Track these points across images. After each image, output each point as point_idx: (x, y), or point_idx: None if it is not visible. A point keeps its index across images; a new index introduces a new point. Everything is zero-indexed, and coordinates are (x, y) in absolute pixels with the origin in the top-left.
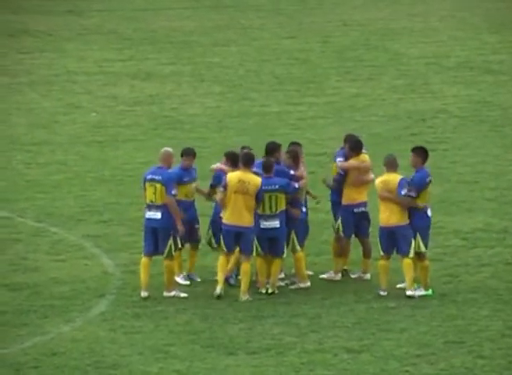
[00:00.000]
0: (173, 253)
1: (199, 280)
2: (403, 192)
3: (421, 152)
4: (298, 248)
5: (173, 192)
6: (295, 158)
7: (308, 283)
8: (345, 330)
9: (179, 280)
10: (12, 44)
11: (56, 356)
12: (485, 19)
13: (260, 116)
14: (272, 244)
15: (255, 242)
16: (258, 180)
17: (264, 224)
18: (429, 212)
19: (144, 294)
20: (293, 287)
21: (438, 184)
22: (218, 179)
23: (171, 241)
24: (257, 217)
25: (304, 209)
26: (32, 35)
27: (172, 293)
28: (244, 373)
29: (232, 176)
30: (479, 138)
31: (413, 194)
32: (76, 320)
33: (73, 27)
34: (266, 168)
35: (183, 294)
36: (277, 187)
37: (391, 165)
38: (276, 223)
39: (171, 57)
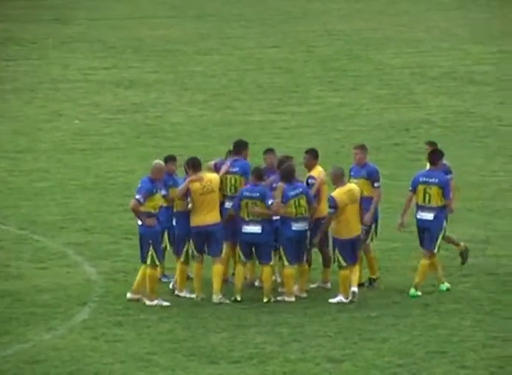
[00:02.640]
0: (156, 262)
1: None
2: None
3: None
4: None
5: (137, 197)
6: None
7: (293, 298)
8: (327, 339)
9: (184, 293)
10: None
11: (38, 364)
12: (468, 30)
13: (243, 125)
14: (255, 250)
15: (238, 249)
16: (216, 175)
17: (246, 228)
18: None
19: (129, 295)
20: (279, 298)
21: None
22: None
23: (151, 251)
24: (240, 222)
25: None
26: (17, 43)
27: (155, 302)
28: None
29: (194, 184)
30: (462, 149)
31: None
32: (57, 328)
33: (58, 35)
34: (256, 175)
35: (165, 303)
36: (258, 195)
37: (341, 177)
38: (258, 229)
39: (154, 65)
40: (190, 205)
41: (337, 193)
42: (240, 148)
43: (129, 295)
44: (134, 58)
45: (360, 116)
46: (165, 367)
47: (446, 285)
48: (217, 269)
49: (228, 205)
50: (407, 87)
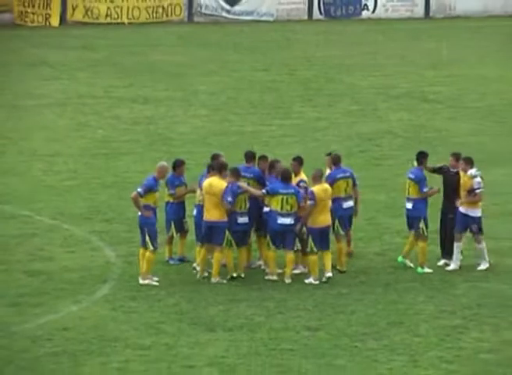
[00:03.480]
0: (151, 247)
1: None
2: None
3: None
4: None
5: (139, 190)
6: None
7: (275, 277)
8: (306, 311)
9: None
10: (33, 73)
11: (66, 331)
12: (423, 58)
13: (238, 135)
14: (242, 236)
15: (229, 236)
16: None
17: (240, 220)
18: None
19: (141, 281)
20: (266, 277)
21: (384, 193)
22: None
23: (147, 237)
24: (235, 215)
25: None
26: (50, 66)
27: (147, 281)
28: (222, 347)
29: (206, 182)
30: None
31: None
32: (83, 301)
33: (84, 59)
34: (235, 174)
35: (155, 283)
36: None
37: (320, 177)
38: (247, 220)
39: (164, 85)
40: (200, 198)
41: (317, 189)
42: (250, 157)
43: (141, 281)
44: (148, 78)
45: (334, 128)
46: (172, 334)
47: (423, 270)
48: (216, 257)
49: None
50: (372, 104)
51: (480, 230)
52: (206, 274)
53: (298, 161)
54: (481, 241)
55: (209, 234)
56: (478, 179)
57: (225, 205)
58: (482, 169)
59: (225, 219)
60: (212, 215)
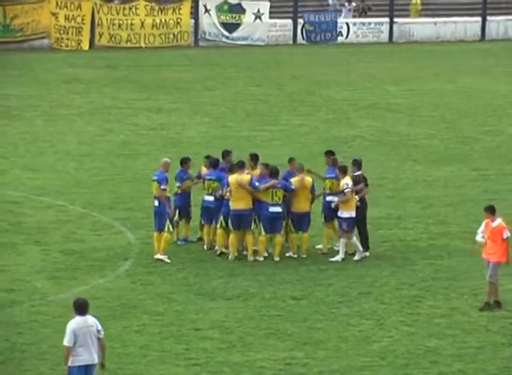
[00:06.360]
0: (171, 229)
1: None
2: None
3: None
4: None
5: (162, 187)
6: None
7: (262, 259)
8: (291, 284)
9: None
10: (67, 87)
11: (95, 299)
12: (387, 75)
13: (235, 139)
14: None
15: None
16: (247, 176)
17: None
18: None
19: (155, 256)
20: (255, 258)
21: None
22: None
23: (167, 221)
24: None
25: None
26: (81, 82)
27: (162, 257)
28: (222, 313)
29: (232, 178)
30: (383, 155)
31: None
32: (108, 275)
33: (109, 77)
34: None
35: (167, 260)
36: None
37: (302, 169)
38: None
39: (175, 98)
40: (228, 194)
41: (294, 180)
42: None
43: (156, 256)
44: (161, 92)
45: (314, 133)
46: (181, 302)
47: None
48: (249, 239)
49: None
50: (345, 113)
51: (348, 228)
52: (237, 254)
53: (254, 158)
54: (344, 238)
55: (238, 221)
56: (347, 181)
57: (251, 189)
58: (434, 166)
59: (251, 207)
60: (239, 204)
